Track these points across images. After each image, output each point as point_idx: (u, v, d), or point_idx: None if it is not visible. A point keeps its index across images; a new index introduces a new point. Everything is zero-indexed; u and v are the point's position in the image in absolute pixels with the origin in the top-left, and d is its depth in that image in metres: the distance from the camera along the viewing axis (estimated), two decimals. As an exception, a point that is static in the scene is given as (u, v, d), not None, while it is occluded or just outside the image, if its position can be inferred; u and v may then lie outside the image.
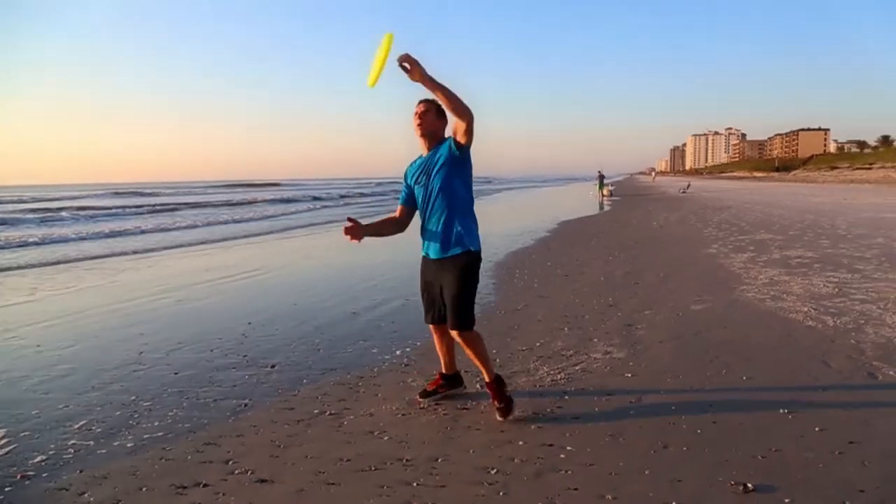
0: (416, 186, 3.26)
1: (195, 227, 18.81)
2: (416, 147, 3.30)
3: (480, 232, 3.29)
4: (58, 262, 10.74)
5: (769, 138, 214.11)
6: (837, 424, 3.01)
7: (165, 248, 12.98)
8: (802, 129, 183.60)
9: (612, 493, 2.42)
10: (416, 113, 3.16)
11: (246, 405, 3.60)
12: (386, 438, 3.03)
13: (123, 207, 28.95)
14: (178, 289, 7.73)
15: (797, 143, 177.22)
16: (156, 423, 3.35)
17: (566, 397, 3.51)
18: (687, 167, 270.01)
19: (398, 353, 4.61)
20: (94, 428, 3.31)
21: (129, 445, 3.08)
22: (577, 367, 4.05)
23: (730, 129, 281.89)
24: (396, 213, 3.44)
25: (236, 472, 2.73)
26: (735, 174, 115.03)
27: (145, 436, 3.19)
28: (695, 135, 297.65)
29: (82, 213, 25.41)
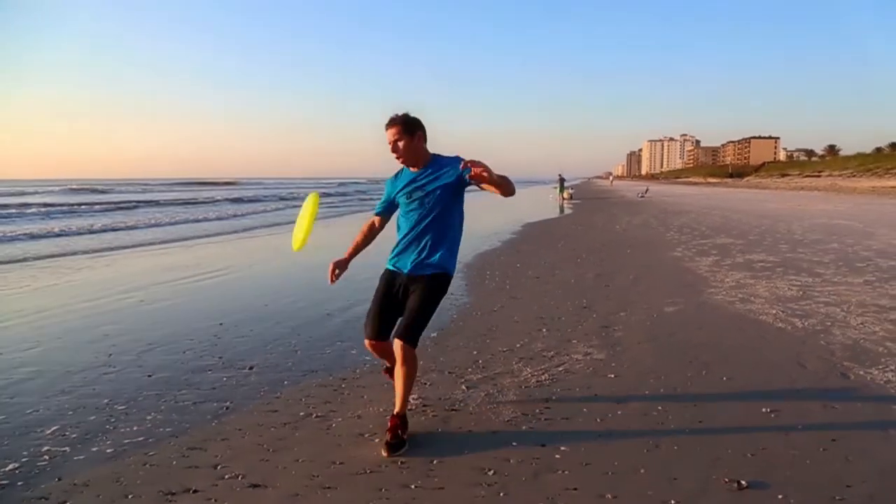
0: (404, 200, 3.08)
1: (154, 225, 18.27)
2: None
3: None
4: (9, 262, 10.25)
5: (722, 145, 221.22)
6: (819, 422, 3.11)
7: (122, 247, 12.55)
8: (754, 137, 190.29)
9: (612, 492, 2.44)
10: (390, 144, 2.99)
11: (227, 408, 3.50)
12: (377, 441, 2.98)
13: (79, 205, 27.85)
14: (139, 289, 7.47)
15: (749, 151, 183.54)
16: (134, 428, 3.22)
17: (553, 398, 3.52)
18: (643, 172, 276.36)
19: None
20: (68, 433, 3.17)
21: (108, 451, 2.95)
22: (559, 369, 4.08)
23: (684, 135, 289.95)
24: (375, 223, 3.32)
25: (226, 476, 2.64)
26: (690, 179, 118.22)
27: (125, 441, 3.06)
28: (651, 140, 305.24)
29: (32, 210, 24.36)
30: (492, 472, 2.63)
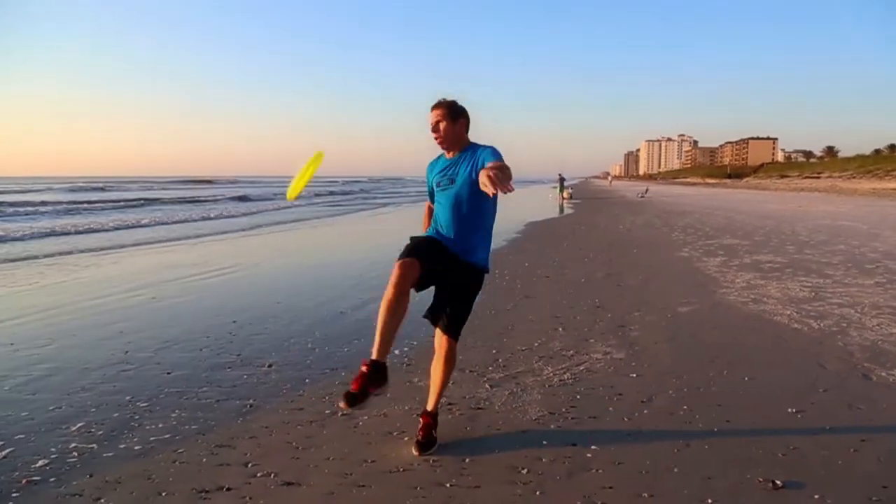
0: (438, 189, 3.01)
1: (159, 223, 18.23)
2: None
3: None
4: (16, 259, 10.23)
5: (720, 146, 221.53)
6: (845, 423, 3.11)
7: (128, 244, 12.52)
8: (752, 138, 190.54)
9: (648, 491, 2.44)
10: (431, 125, 2.92)
11: (251, 406, 3.49)
12: (406, 439, 2.98)
13: (80, 203, 27.73)
14: (148, 286, 7.46)
15: (747, 151, 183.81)
16: (160, 425, 3.21)
17: (578, 397, 3.52)
18: (641, 172, 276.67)
19: (397, 352, 4.54)
20: (93, 430, 3.16)
21: (136, 448, 2.94)
22: (581, 367, 4.07)
23: (682, 135, 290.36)
24: (431, 208, 3.18)
25: (258, 474, 2.64)
26: (689, 180, 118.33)
27: (151, 438, 3.05)
28: (648, 140, 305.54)
29: (33, 208, 24.31)
30: (525, 470, 2.63)
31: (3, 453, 2.89)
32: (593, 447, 2.85)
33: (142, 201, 30.37)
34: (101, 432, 3.13)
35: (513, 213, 21.08)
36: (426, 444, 2.84)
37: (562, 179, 33.70)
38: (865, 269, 7.87)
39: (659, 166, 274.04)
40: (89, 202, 28.21)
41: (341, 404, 2.54)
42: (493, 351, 4.48)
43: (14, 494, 2.51)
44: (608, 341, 4.72)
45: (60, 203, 27.45)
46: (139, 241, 13.13)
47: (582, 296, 6.58)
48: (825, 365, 4.03)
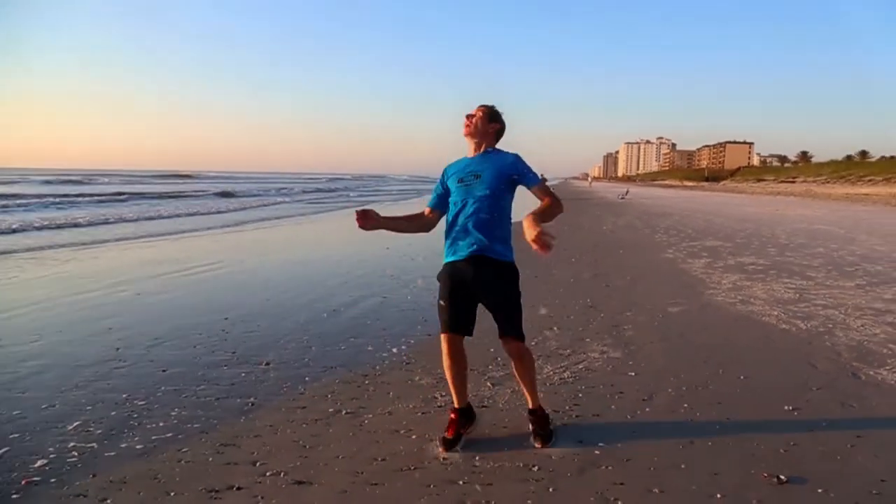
0: (459, 185, 2.96)
1: (144, 218, 17.89)
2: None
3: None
4: (-8, 252, 9.99)
5: (698, 149, 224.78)
6: (840, 420, 3.19)
7: (107, 240, 12.29)
8: (729, 142, 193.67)
9: (658, 486, 2.47)
10: (469, 114, 3.02)
11: (253, 404, 3.46)
12: (414, 437, 2.98)
13: (56, 196, 27.04)
14: (133, 281, 7.35)
15: (724, 155, 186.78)
16: (161, 424, 3.17)
17: (580, 395, 3.56)
18: (619, 174, 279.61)
19: (395, 350, 4.55)
20: (91, 429, 3.11)
21: (138, 447, 2.90)
22: (579, 366, 4.11)
23: (661, 138, 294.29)
24: (425, 213, 3.15)
25: (268, 473, 2.61)
26: (667, 182, 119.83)
27: (153, 437, 3.01)
28: (627, 143, 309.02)
29: (7, 201, 23.69)
30: (536, 468, 2.65)
31: None
32: (600, 444, 2.88)
33: (125, 196, 29.66)
34: (99, 431, 3.08)
35: (496, 213, 21.10)
36: (545, 435, 2.93)
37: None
38: (845, 271, 8.06)
39: (638, 168, 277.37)
40: (67, 195, 27.54)
41: (440, 449, 2.85)
42: (491, 350, 4.48)
43: (14, 496, 2.46)
44: (604, 341, 4.76)
45: (43, 196, 26.76)
46: (121, 237, 12.90)
47: (572, 296, 6.62)
48: (816, 364, 4.12)
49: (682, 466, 2.65)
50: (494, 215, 2.90)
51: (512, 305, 2.92)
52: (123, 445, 2.92)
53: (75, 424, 3.15)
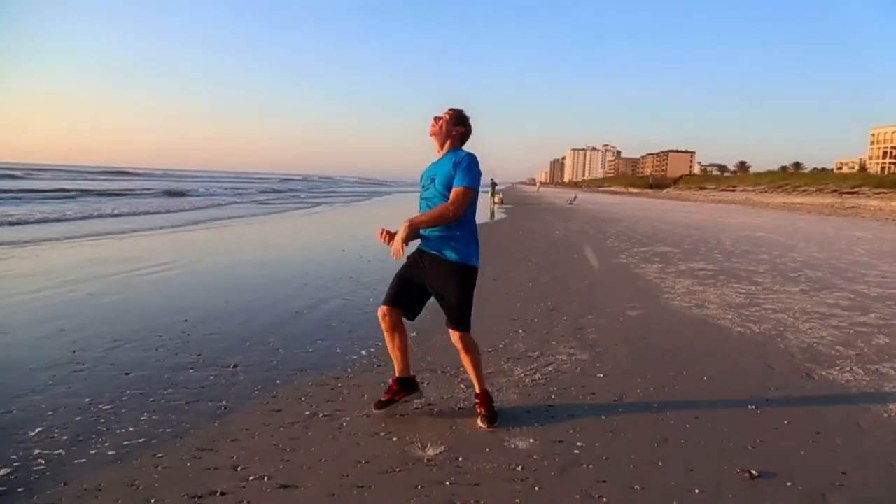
0: (421, 189, 3.26)
1: (90, 217, 17.10)
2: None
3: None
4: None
5: (642, 157, 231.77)
6: (800, 418, 3.36)
7: (50, 238, 11.69)
8: (672, 151, 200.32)
9: (639, 483, 2.56)
10: (437, 116, 3.23)
11: (225, 408, 3.38)
12: (395, 439, 2.98)
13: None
14: (83, 281, 7.05)
15: (667, 163, 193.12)
16: (131, 429, 3.06)
17: (553, 396, 3.63)
18: (566, 179, 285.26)
19: (364, 353, 4.52)
20: (56, 435, 2.97)
21: (110, 454, 2.79)
22: (549, 368, 4.19)
23: (606, 145, 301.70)
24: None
25: (251, 478, 2.56)
26: (613, 189, 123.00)
27: (125, 442, 2.91)
28: (574, 149, 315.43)
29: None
30: (520, 467, 2.69)
31: (-42, 460, 2.67)
32: (579, 444, 2.95)
33: (75, 192, 28.12)
34: (65, 437, 2.95)
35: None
36: (492, 417, 3.17)
37: (493, 184, 34.00)
38: (789, 277, 8.49)
39: (584, 174, 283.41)
40: (9, 191, 25.96)
41: (373, 409, 3.29)
42: (462, 352, 4.52)
43: (-19, 505, 2.33)
44: (569, 343, 4.87)
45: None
46: (68, 235, 12.29)
47: (533, 299, 6.73)
48: (772, 366, 4.33)
49: (659, 464, 2.75)
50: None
51: (455, 301, 3.14)
52: (93, 452, 2.80)
53: (38, 430, 3.01)
